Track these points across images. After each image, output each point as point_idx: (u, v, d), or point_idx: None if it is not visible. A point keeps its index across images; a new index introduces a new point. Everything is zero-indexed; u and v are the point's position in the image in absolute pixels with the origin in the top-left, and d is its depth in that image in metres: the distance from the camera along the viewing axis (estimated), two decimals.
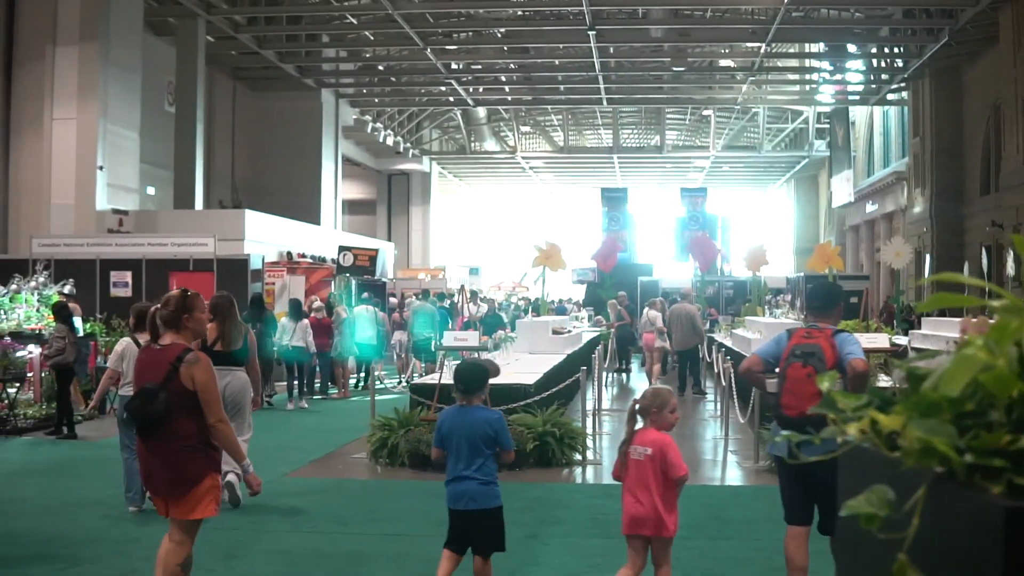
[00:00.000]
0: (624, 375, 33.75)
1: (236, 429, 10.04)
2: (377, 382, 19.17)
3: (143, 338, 13.44)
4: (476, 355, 16.50)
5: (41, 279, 23.90)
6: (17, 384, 20.84)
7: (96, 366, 23.68)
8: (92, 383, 23.04)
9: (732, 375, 19.37)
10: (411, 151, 69.50)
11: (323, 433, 20.65)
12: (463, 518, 8.81)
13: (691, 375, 28.26)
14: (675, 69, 52.22)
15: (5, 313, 22.27)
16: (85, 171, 36.21)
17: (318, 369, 28.07)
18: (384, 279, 45.54)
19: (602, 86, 53.43)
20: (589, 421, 18.57)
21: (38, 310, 22.32)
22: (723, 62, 54.41)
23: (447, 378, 17.06)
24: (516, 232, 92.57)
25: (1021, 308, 2.01)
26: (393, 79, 55.20)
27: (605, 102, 59.07)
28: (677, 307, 28.25)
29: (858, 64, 52.02)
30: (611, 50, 48.30)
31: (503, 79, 55.93)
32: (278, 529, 11.84)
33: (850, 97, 57.63)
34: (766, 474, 15.47)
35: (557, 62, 51.57)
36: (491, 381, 9.35)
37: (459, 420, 8.82)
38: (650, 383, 29.43)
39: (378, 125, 62.15)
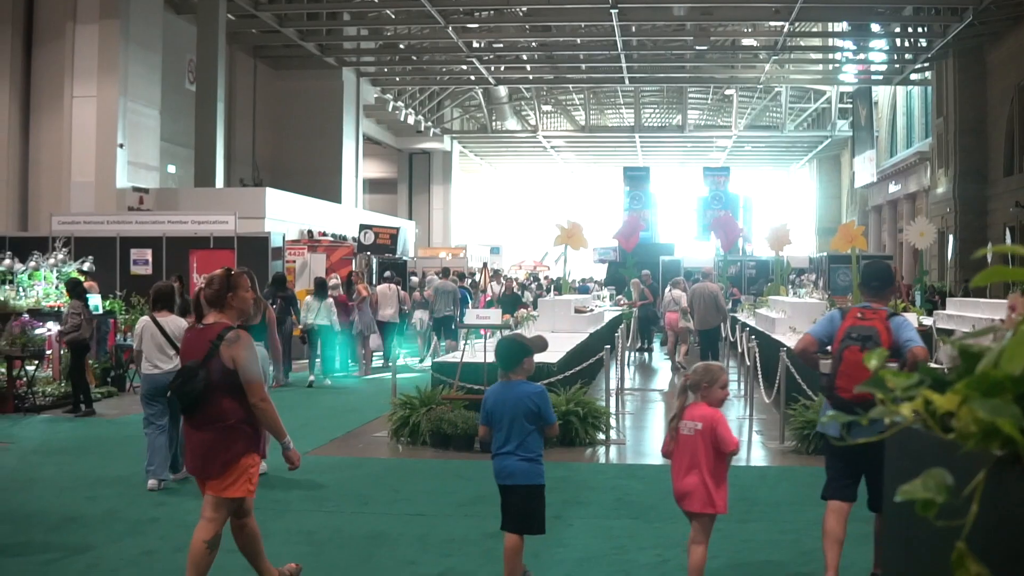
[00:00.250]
0: (647, 354, 33.60)
1: None
2: (398, 360, 19.03)
3: (162, 317, 13.45)
4: (506, 331, 16.43)
5: (60, 256, 23.83)
6: (35, 362, 20.79)
7: (116, 344, 23.65)
8: (111, 361, 23.02)
9: (756, 355, 19.24)
10: (432, 130, 69.43)
11: (344, 411, 20.55)
12: (505, 492, 8.74)
13: (710, 354, 28.09)
14: (697, 48, 52.08)
15: (24, 290, 22.24)
16: (105, 149, 36.23)
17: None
18: (405, 258, 45.48)
19: (624, 65, 53.27)
20: (612, 400, 18.45)
21: (57, 287, 22.26)
22: (746, 41, 54.31)
23: (468, 357, 16.99)
24: (537, 211, 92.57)
25: None
26: (414, 58, 55.13)
27: (627, 81, 58.93)
28: (699, 286, 28.08)
29: (881, 43, 51.84)
30: (633, 29, 48.13)
31: (525, 58, 55.76)
32: (300, 508, 11.74)
33: (873, 77, 57.44)
34: (792, 455, 15.35)
35: (579, 40, 51.40)
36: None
37: (502, 396, 8.74)
38: (672, 363, 29.34)
39: (399, 104, 62.09)
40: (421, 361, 29.39)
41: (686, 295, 28.66)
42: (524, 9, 45.88)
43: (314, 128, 53.04)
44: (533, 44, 52.42)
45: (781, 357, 17.02)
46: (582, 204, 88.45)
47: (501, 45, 52.36)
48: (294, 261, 33.27)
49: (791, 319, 22.95)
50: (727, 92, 68.78)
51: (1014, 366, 1.91)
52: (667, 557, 9.94)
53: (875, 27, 48.95)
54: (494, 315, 16.60)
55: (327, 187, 50.90)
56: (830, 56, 56.80)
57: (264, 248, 30.31)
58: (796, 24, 45.38)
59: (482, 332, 17.65)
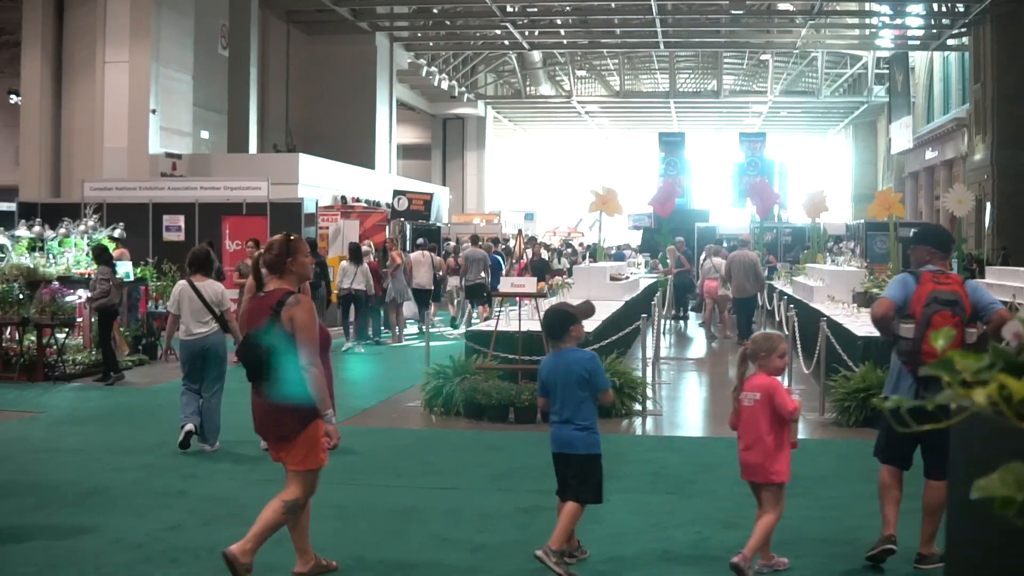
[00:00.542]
0: (682, 322, 33.33)
1: None
2: (432, 328, 18.86)
3: (198, 281, 13.44)
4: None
5: (91, 223, 23.66)
6: (65, 330, 20.67)
7: (147, 311, 23.54)
8: (142, 328, 22.92)
9: (796, 324, 18.97)
10: (466, 95, 69.20)
11: (377, 380, 20.46)
12: (562, 462, 8.72)
13: (746, 323, 27.79)
14: (733, 12, 51.70)
15: (54, 257, 22.09)
16: (138, 115, 36.15)
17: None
18: (439, 224, 45.37)
19: (659, 29, 52.91)
20: (648, 370, 18.21)
21: (87, 254, 22.09)
22: (782, 5, 53.89)
23: (503, 325, 16.77)
24: (571, 177, 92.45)
25: None
26: (448, 22, 54.89)
27: (662, 46, 58.56)
28: (737, 254, 27.81)
29: (918, 8, 51.32)
30: None
31: (559, 22, 55.48)
32: (331, 481, 11.52)
33: (910, 42, 56.98)
34: (832, 427, 15.09)
35: (613, 5, 51.02)
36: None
37: (555, 365, 8.78)
38: (707, 332, 29.15)
39: (433, 69, 61.87)
40: (455, 328, 29.24)
41: (726, 263, 28.41)
42: None
43: (347, 93, 52.99)
44: (567, 8, 52.09)
45: (821, 327, 16.75)
46: (616, 170, 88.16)
47: (535, 9, 52.00)
48: (327, 227, 33.13)
49: (830, 287, 22.69)
50: (763, 57, 68.43)
51: None
52: (706, 534, 9.71)
53: None
54: (529, 283, 16.36)
55: (360, 153, 50.83)
56: (867, 21, 56.34)
57: (297, 214, 30.16)
58: None
59: (517, 300, 17.41)
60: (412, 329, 29.67)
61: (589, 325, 16.82)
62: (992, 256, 39.36)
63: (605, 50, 66.53)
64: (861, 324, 17.21)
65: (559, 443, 8.66)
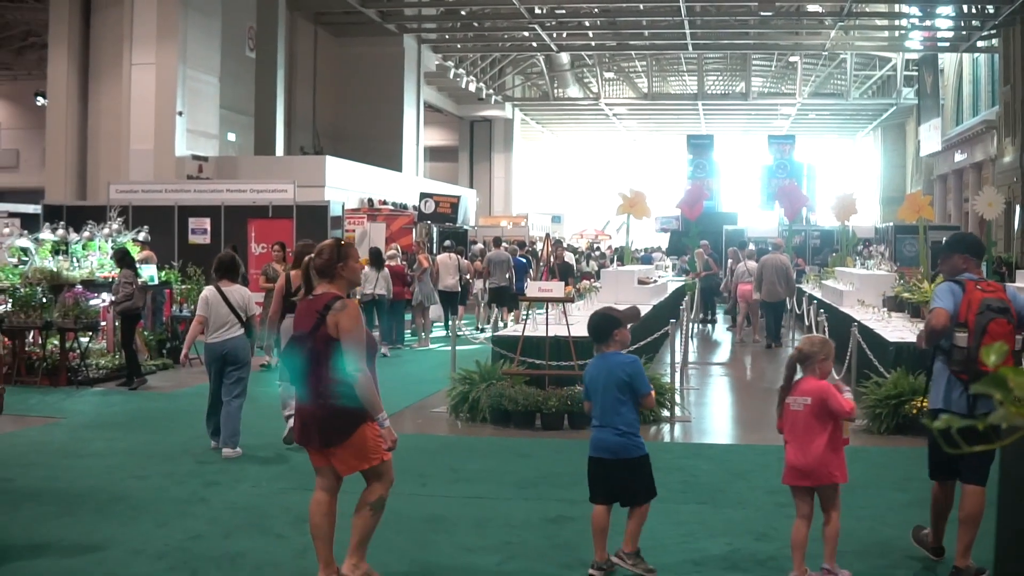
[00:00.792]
0: (710, 326, 33.17)
1: None
2: (458, 332, 18.70)
3: (226, 286, 13.40)
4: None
5: (115, 226, 23.59)
6: (89, 333, 20.60)
7: (171, 315, 23.47)
8: (167, 332, 22.84)
9: (826, 329, 18.78)
10: (493, 97, 69.25)
11: (403, 384, 20.27)
12: (602, 467, 8.67)
13: (775, 327, 27.65)
14: (762, 14, 51.43)
15: (78, 261, 22.01)
16: (164, 117, 36.20)
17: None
18: (466, 226, 45.30)
19: (687, 31, 52.85)
20: (676, 376, 18.05)
21: (111, 258, 22.01)
22: (811, 7, 53.66)
23: (530, 331, 16.61)
24: (599, 180, 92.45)
25: None
26: (475, 24, 54.87)
27: (690, 47, 58.55)
28: (768, 257, 27.61)
29: (948, 10, 51.00)
30: None
31: (587, 24, 55.40)
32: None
33: (939, 44, 56.69)
34: (863, 434, 14.81)
35: (642, 7, 50.91)
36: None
37: (598, 368, 8.76)
38: (737, 336, 28.99)
39: (460, 71, 61.91)
40: (481, 331, 29.12)
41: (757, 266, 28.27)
42: None
43: (375, 96, 53.06)
44: (596, 10, 51.98)
45: (852, 332, 16.57)
46: (645, 172, 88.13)
47: (563, 11, 51.86)
48: (354, 230, 33.07)
49: (859, 291, 22.52)
50: (791, 59, 68.25)
51: None
52: (737, 546, 9.53)
53: None
54: (556, 287, 16.18)
55: (388, 155, 50.87)
56: (896, 23, 56.09)
57: (323, 217, 30.10)
58: None
59: (544, 304, 17.25)
60: (439, 332, 29.58)
61: None
62: (1021, 259, 39.07)
63: (633, 52, 66.49)
64: (892, 329, 17.04)
65: (597, 447, 8.64)
